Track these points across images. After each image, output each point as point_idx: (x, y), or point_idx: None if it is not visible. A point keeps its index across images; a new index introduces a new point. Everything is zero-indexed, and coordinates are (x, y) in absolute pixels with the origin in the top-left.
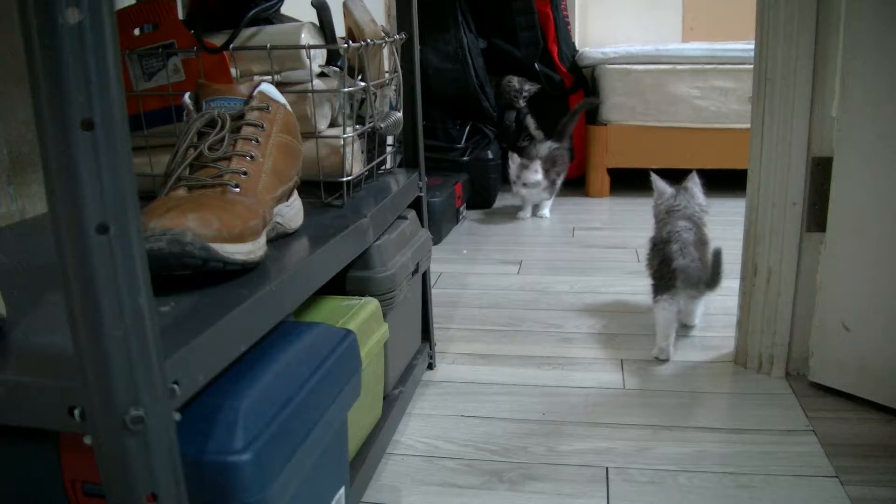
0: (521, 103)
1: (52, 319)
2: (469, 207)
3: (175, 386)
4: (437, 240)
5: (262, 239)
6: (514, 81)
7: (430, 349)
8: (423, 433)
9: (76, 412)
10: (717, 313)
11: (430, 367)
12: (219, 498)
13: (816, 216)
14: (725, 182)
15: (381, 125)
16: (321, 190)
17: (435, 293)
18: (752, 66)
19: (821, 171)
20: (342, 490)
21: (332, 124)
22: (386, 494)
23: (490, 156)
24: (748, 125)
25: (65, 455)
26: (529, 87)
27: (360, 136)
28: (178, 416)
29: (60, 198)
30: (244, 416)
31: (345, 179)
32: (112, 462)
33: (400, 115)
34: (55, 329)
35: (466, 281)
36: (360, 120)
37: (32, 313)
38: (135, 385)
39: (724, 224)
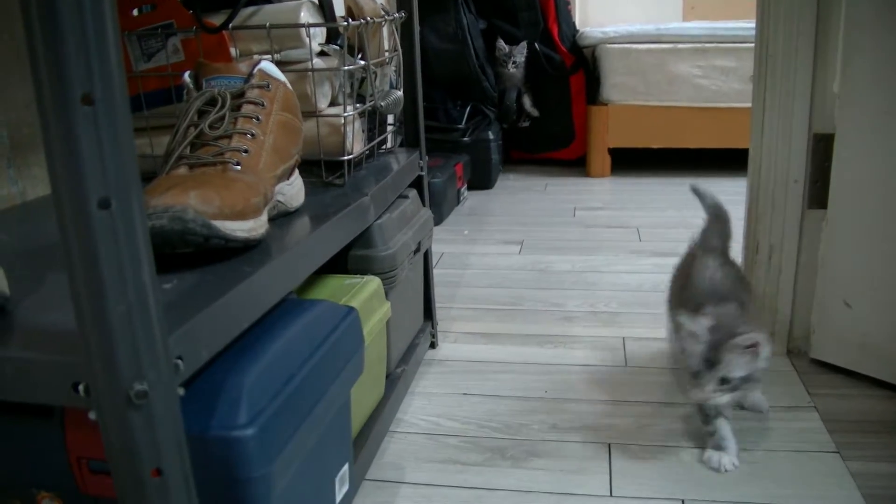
0: (512, 69)
1: (56, 297)
2: (469, 188)
3: (179, 361)
4: (438, 220)
5: (264, 217)
6: (503, 46)
7: (433, 328)
8: (426, 411)
9: (80, 387)
10: None
11: (433, 345)
12: (223, 473)
13: (818, 193)
14: (727, 161)
15: (382, 104)
16: (322, 169)
17: (436, 273)
18: (753, 45)
19: (822, 148)
20: (346, 467)
21: (333, 103)
22: (389, 471)
23: (491, 136)
24: (750, 104)
25: (70, 433)
26: (520, 53)
27: (361, 115)
28: (182, 391)
29: (62, 173)
30: (248, 391)
31: (345, 158)
32: (117, 436)
33: (400, 93)
34: (58, 307)
35: (468, 261)
36: (361, 99)
37: (36, 292)
38: (139, 360)
39: (729, 203)
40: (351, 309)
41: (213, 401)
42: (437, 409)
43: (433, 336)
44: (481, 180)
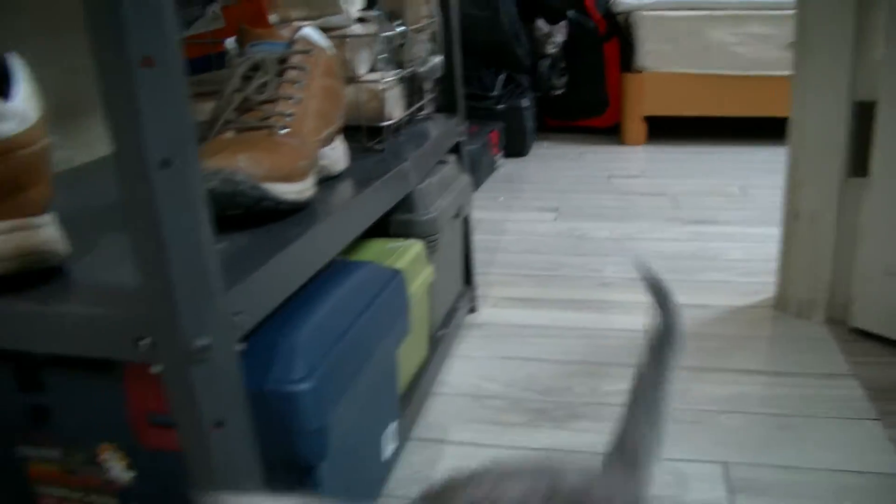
0: (551, 49)
1: (111, 257)
2: (504, 155)
3: (238, 317)
4: (473, 187)
5: (311, 180)
6: (543, 25)
7: (472, 293)
8: (468, 374)
9: (145, 342)
10: (756, 259)
11: (473, 310)
12: (279, 427)
13: (859, 161)
14: (764, 130)
15: (421, 70)
16: (362, 134)
17: (474, 239)
18: (791, 12)
19: (864, 116)
20: (394, 424)
21: (372, 70)
22: (434, 431)
23: (525, 104)
24: (787, 72)
25: (131, 387)
26: (559, 34)
27: (400, 80)
28: (241, 347)
29: (124, 134)
30: (302, 348)
31: (385, 124)
32: (180, 390)
33: (439, 59)
34: (115, 266)
35: (504, 227)
36: (400, 65)
37: (94, 252)
38: (200, 316)
39: (765, 172)
40: (397, 271)
41: (270, 357)
42: (478, 371)
43: (473, 300)
44: (516, 147)
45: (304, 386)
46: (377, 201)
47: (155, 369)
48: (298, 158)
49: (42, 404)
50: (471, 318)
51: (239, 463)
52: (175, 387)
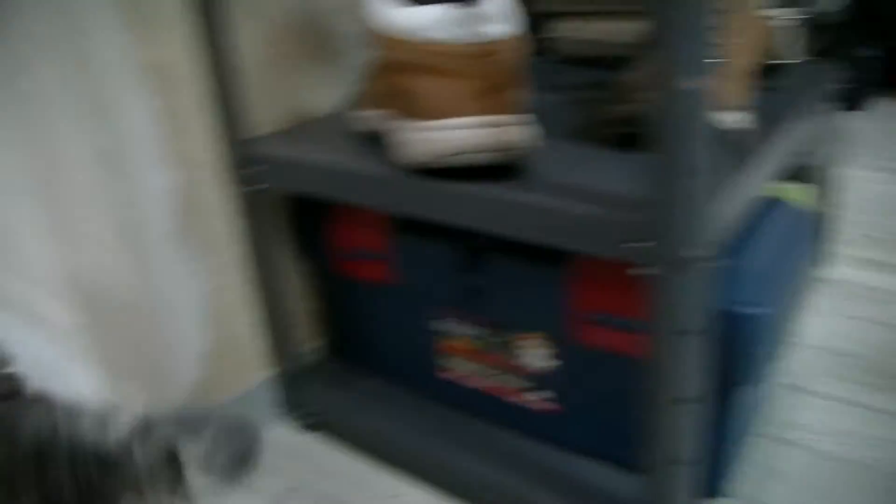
0: None
1: (569, 160)
2: (841, 109)
3: (714, 236)
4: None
5: (744, 111)
6: None
7: (826, 247)
8: (824, 329)
9: (642, 245)
10: None
11: (824, 265)
12: (729, 345)
13: None
14: None
15: (817, 11)
16: (759, 73)
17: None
18: None
19: None
20: (776, 363)
21: (771, 8)
22: (792, 378)
23: (864, 55)
24: None
25: (575, 284)
26: None
27: (797, 21)
28: (721, 263)
29: (666, 56)
30: (759, 274)
31: (781, 62)
32: (661, 295)
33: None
34: (578, 168)
35: (845, 184)
36: (796, 4)
37: (550, 152)
38: (694, 229)
39: None
40: (807, 211)
41: (732, 278)
42: (834, 328)
43: (826, 256)
44: (852, 101)
45: (763, 310)
46: (792, 139)
47: (641, 272)
48: (736, 89)
49: (478, 285)
50: (823, 273)
51: (689, 373)
52: (659, 292)
